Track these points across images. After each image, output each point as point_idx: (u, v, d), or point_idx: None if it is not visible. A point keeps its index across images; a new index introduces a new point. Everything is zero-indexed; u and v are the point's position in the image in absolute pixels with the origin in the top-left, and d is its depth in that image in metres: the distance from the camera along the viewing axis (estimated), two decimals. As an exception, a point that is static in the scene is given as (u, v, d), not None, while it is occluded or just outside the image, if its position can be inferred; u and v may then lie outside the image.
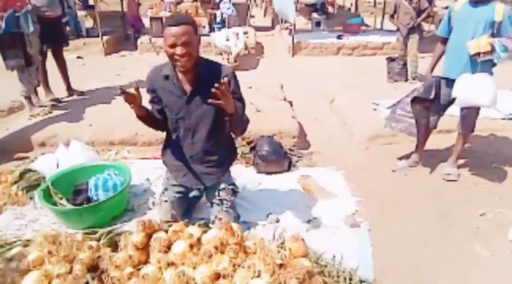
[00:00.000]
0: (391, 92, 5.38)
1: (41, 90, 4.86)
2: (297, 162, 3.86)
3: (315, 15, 10.23)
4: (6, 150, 3.97)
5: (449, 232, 2.91)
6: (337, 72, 7.50)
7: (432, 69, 3.55)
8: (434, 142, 4.02)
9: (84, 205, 2.87)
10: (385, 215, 3.07)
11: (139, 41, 9.08)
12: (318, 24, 10.05)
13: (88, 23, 11.34)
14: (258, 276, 1.78)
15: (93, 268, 1.99)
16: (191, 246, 1.96)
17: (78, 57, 8.65)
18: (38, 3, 4.41)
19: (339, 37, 9.27)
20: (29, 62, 4.20)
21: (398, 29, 6.80)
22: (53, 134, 4.10)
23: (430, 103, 3.46)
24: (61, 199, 2.97)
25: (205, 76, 2.20)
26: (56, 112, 4.56)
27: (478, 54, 3.01)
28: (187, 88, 2.25)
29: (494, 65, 3.15)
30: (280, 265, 1.80)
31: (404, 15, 6.59)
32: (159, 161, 3.84)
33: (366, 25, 10.74)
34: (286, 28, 9.96)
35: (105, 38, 9.05)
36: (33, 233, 2.69)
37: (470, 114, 3.36)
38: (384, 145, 4.26)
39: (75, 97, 5.09)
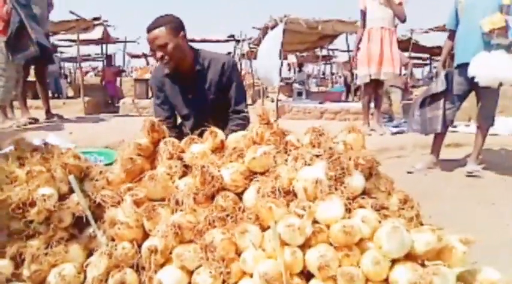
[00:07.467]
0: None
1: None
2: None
3: (296, 85, 10.54)
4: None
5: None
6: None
7: (444, 63, 3.47)
8: (446, 155, 3.77)
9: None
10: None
11: (121, 101, 8.90)
12: (299, 94, 10.29)
13: (69, 92, 11.30)
14: (310, 165, 1.33)
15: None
16: (213, 150, 1.50)
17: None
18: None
19: (320, 103, 9.44)
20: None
21: None
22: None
23: (443, 96, 3.28)
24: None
25: (205, 70, 2.13)
26: (31, 127, 4.08)
27: (493, 31, 2.96)
28: (187, 84, 2.15)
29: (508, 48, 3.07)
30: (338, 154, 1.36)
31: None
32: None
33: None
34: (269, 98, 10.15)
35: (86, 98, 8.83)
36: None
37: (489, 104, 3.21)
38: (393, 158, 3.95)
39: (55, 119, 4.63)
